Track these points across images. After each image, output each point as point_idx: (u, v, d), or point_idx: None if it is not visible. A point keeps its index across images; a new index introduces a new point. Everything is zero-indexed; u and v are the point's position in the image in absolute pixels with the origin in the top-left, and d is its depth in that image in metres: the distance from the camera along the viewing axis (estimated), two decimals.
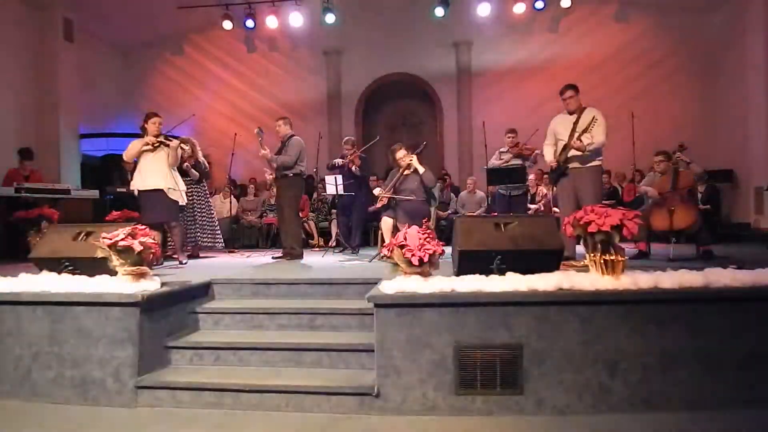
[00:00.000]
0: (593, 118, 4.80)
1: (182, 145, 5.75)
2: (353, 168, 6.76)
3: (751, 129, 8.97)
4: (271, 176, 6.19)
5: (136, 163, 8.33)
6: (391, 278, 3.32)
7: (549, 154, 5.19)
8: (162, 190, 5.38)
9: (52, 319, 3.36)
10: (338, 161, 6.98)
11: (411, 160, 5.68)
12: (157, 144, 5.41)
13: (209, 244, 6.70)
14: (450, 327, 3.06)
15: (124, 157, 5.75)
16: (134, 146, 5.47)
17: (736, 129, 9.37)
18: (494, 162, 6.86)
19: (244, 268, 5.31)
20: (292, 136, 6.09)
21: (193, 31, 11.33)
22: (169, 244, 6.08)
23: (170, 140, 5.52)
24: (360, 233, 7.10)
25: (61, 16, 9.11)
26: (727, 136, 9.60)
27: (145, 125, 5.51)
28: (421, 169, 5.66)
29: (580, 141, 4.74)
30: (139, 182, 5.44)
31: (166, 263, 5.57)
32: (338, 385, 3.13)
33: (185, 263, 5.59)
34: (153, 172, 5.39)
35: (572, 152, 4.88)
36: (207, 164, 6.87)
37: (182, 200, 5.66)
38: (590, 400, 2.97)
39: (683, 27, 10.24)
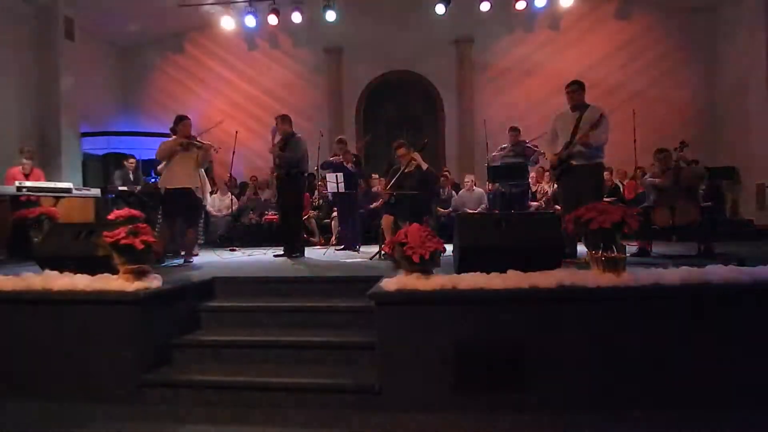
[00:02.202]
0: (600, 115, 4.77)
1: (214, 147, 5.89)
2: (348, 166, 6.79)
3: (753, 126, 8.96)
4: (273, 174, 6.20)
5: (137, 161, 8.37)
6: (392, 276, 3.32)
7: (551, 151, 5.18)
8: (190, 189, 5.56)
9: (55, 318, 3.37)
10: (332, 159, 7.01)
11: (414, 157, 5.68)
12: (188, 145, 5.57)
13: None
14: (451, 324, 3.06)
15: (156, 157, 5.96)
16: (167, 146, 5.65)
17: (738, 126, 9.36)
18: (494, 155, 6.87)
19: (246, 265, 5.32)
20: (294, 134, 6.10)
21: (194, 29, 11.33)
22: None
23: (202, 142, 5.70)
24: (360, 231, 7.10)
25: (62, 15, 9.11)
26: (730, 133, 9.59)
27: (176, 127, 5.71)
28: (424, 165, 5.67)
29: (587, 136, 4.71)
30: (168, 181, 5.60)
31: (167, 261, 5.58)
32: (339, 382, 3.14)
33: (191, 261, 5.62)
34: (182, 172, 5.55)
35: (577, 148, 4.86)
36: None
37: (207, 200, 5.80)
38: (591, 397, 2.97)
39: (684, 24, 10.22)
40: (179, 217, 5.68)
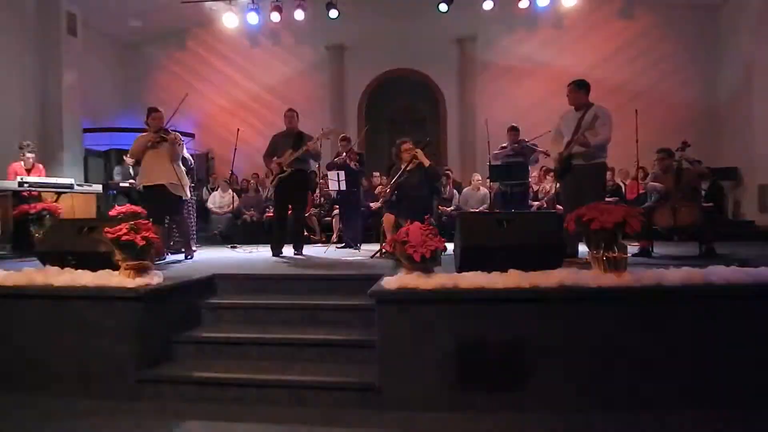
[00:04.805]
0: (594, 115, 4.77)
1: (178, 140, 5.64)
2: (351, 164, 6.78)
3: (756, 126, 8.94)
4: (278, 170, 5.99)
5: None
6: (393, 274, 3.32)
7: (554, 150, 5.17)
8: (165, 186, 5.40)
9: (55, 313, 3.38)
10: (337, 160, 6.99)
11: (416, 153, 5.67)
12: (158, 139, 5.43)
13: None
14: (451, 323, 3.06)
15: (130, 156, 5.79)
16: (138, 144, 5.52)
17: (740, 126, 9.34)
18: (495, 153, 6.88)
19: (246, 263, 5.32)
20: (301, 131, 6.08)
21: (196, 26, 11.33)
22: (175, 236, 6.12)
23: (168, 134, 5.51)
24: (361, 229, 7.10)
25: (64, 10, 9.11)
26: (732, 134, 9.57)
27: (147, 120, 5.55)
28: (426, 162, 5.65)
29: (584, 137, 4.72)
30: (143, 178, 5.49)
31: (169, 258, 5.59)
32: (340, 380, 3.14)
33: (191, 258, 5.61)
34: (155, 168, 5.42)
35: (576, 149, 4.86)
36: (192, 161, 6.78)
37: (186, 195, 5.67)
38: (592, 396, 2.97)
39: (687, 24, 10.20)
40: (159, 213, 5.46)
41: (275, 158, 5.91)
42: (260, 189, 9.56)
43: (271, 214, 8.66)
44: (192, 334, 3.61)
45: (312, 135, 5.98)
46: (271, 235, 6.13)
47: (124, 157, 8.57)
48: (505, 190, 6.84)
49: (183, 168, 5.70)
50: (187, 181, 5.71)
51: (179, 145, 5.59)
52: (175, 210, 5.63)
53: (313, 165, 6.53)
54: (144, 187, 5.49)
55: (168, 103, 9.16)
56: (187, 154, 6.54)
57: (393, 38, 10.66)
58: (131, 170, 8.40)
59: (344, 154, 6.94)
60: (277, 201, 6.11)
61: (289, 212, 6.11)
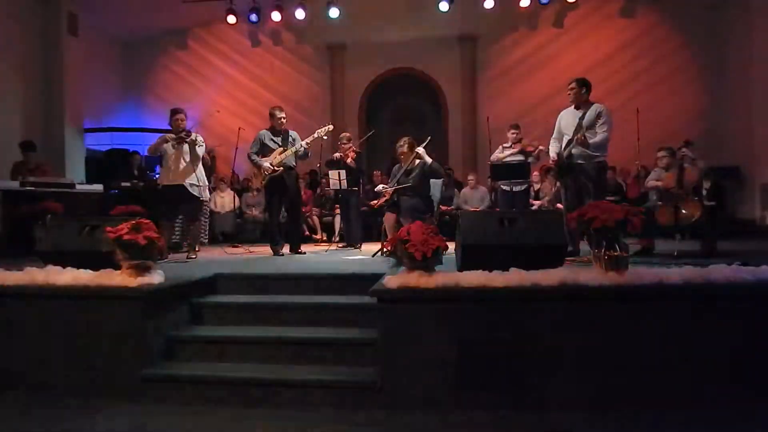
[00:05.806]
0: (597, 114, 4.77)
1: (198, 142, 5.71)
2: (348, 161, 6.79)
3: (757, 125, 8.92)
4: (273, 170, 5.96)
5: (142, 157, 8.40)
6: (394, 273, 3.32)
7: (554, 149, 5.17)
8: (183, 185, 5.52)
9: (57, 313, 3.38)
10: (336, 155, 7.01)
11: (418, 151, 5.67)
12: (179, 140, 5.55)
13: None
14: (453, 322, 3.06)
15: (148, 152, 5.95)
16: (157, 141, 5.69)
17: (742, 125, 9.32)
18: (497, 155, 6.86)
19: (248, 262, 5.33)
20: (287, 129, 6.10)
21: (197, 26, 11.32)
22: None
23: (189, 135, 5.61)
24: (361, 228, 7.10)
25: (65, 10, 9.11)
26: (734, 133, 9.55)
27: (170, 121, 5.68)
28: (428, 160, 5.65)
29: (584, 137, 4.72)
30: (164, 177, 5.66)
31: (171, 257, 5.60)
32: (341, 379, 3.14)
33: (194, 258, 5.62)
34: (176, 168, 5.56)
35: (576, 148, 4.86)
36: (210, 161, 6.87)
37: (204, 196, 5.76)
38: (593, 395, 2.97)
39: (689, 23, 10.18)
40: (177, 212, 5.66)
41: (263, 157, 5.89)
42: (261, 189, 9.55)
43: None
44: (194, 334, 3.62)
45: (299, 134, 6.00)
46: (272, 234, 6.13)
47: (128, 158, 8.61)
48: (507, 189, 6.83)
49: (202, 169, 5.81)
50: (206, 182, 5.83)
51: (200, 146, 5.71)
52: (192, 210, 5.74)
53: (314, 164, 6.53)
54: (163, 186, 5.63)
55: (170, 102, 9.19)
56: (206, 155, 6.59)
57: (394, 37, 10.64)
58: (134, 170, 8.42)
59: (344, 152, 6.95)
60: (270, 201, 6.08)
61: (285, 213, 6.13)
